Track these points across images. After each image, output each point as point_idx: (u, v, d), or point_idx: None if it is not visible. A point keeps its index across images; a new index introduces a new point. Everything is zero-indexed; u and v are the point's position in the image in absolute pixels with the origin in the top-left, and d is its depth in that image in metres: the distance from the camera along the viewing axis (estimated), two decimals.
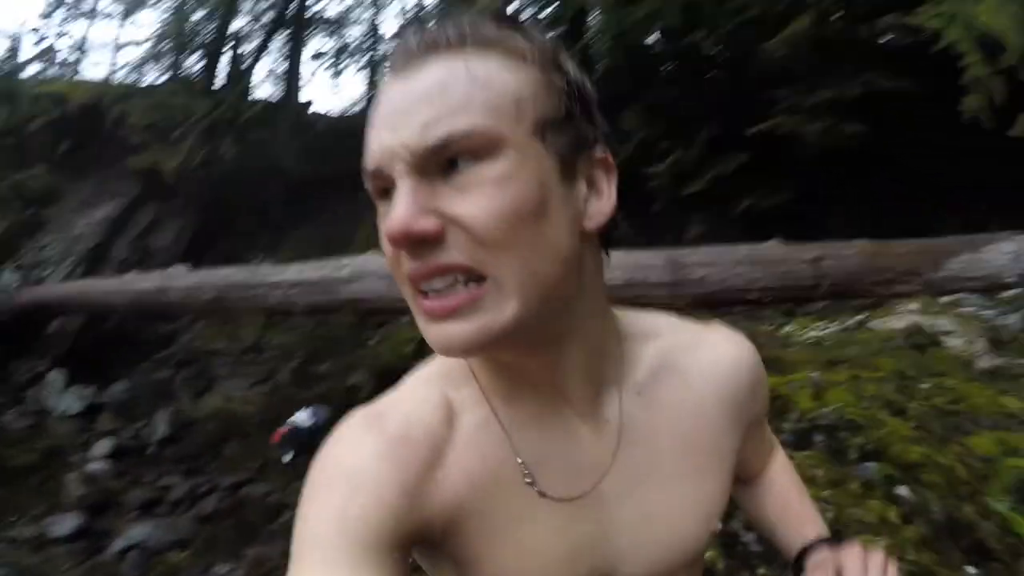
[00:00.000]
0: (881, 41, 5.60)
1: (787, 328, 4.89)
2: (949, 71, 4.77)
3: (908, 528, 2.15)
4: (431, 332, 0.61)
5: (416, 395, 0.71)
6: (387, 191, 0.61)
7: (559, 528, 0.69)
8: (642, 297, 4.30)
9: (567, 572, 0.69)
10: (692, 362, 0.77)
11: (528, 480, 0.68)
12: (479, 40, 0.60)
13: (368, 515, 0.61)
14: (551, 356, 0.67)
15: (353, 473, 0.63)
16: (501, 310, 0.59)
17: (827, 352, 4.14)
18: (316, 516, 0.62)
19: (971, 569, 2.11)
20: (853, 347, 4.18)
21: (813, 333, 4.69)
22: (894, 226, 4.97)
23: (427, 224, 0.57)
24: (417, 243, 0.57)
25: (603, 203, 0.65)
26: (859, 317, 4.71)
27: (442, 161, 0.58)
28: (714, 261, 4.48)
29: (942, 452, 2.54)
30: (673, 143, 6.55)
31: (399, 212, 0.57)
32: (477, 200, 0.57)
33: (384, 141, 0.59)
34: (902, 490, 2.32)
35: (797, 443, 2.58)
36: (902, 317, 4.46)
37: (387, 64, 0.63)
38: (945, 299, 4.48)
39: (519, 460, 0.68)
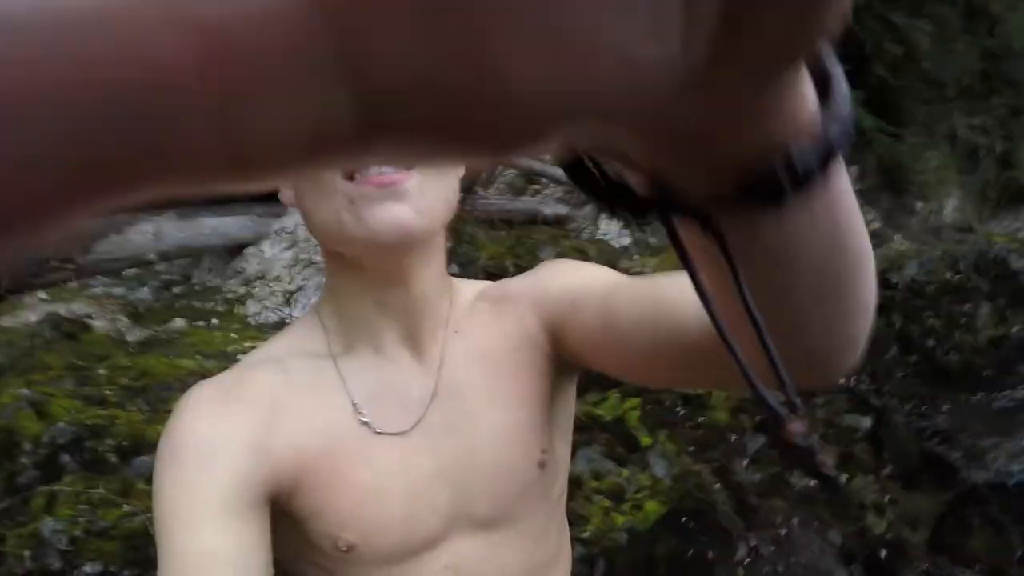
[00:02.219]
0: None
1: None
2: None
3: None
4: (374, 214, 0.66)
5: (249, 359, 0.78)
6: None
7: (395, 465, 0.74)
8: None
9: (406, 511, 0.74)
10: (498, 292, 0.84)
11: (363, 419, 0.74)
12: None
13: (220, 479, 0.65)
14: (417, 272, 0.75)
15: (197, 442, 0.67)
16: (427, 197, 0.68)
17: None
18: (171, 490, 0.66)
19: None
20: None
21: None
22: None
23: None
24: None
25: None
26: None
27: None
28: None
29: (159, 423, 2.85)
30: None
31: None
32: None
33: None
34: None
35: (45, 475, 2.35)
36: (33, 308, 4.32)
37: None
38: (73, 284, 4.56)
39: (353, 402, 0.74)
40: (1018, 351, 5.19)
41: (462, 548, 0.76)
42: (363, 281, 0.75)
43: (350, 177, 0.66)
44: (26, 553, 2.04)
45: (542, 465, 0.79)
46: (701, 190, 0.29)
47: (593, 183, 0.30)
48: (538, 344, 0.79)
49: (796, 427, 0.28)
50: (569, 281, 0.78)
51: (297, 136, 0.18)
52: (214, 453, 0.67)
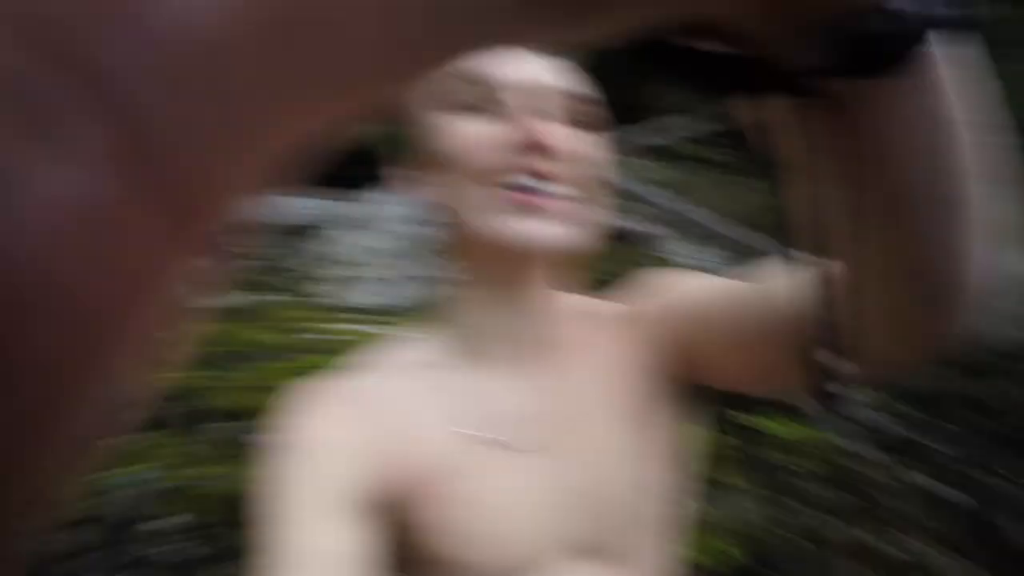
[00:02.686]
0: None
1: None
2: None
3: None
4: (524, 228, 0.68)
5: (367, 363, 0.77)
6: (475, 107, 0.69)
7: (506, 481, 0.72)
8: None
9: (513, 528, 0.71)
10: (605, 325, 0.82)
11: (477, 434, 0.72)
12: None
13: (335, 479, 0.66)
14: (544, 293, 0.76)
15: (314, 441, 0.68)
16: (575, 226, 0.70)
17: None
18: (284, 486, 0.65)
19: None
20: None
21: None
22: None
23: (564, 143, 0.69)
24: (548, 152, 0.68)
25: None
26: None
27: (574, 112, 0.71)
28: None
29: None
30: None
31: (547, 126, 0.68)
32: (588, 149, 0.72)
33: (527, 74, 0.70)
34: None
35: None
36: None
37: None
38: None
39: (469, 416, 0.73)
40: None
41: (564, 574, 0.73)
42: (488, 294, 0.75)
43: (509, 174, 0.69)
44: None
45: (654, 494, 0.76)
46: (798, 59, 0.28)
47: (684, 63, 0.29)
48: (653, 366, 0.77)
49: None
50: (690, 295, 0.76)
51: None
52: (331, 454, 0.68)
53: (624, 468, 0.75)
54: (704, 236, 6.73)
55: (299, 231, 5.46)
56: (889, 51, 0.28)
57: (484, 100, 0.70)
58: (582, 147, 0.71)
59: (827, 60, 0.28)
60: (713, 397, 0.81)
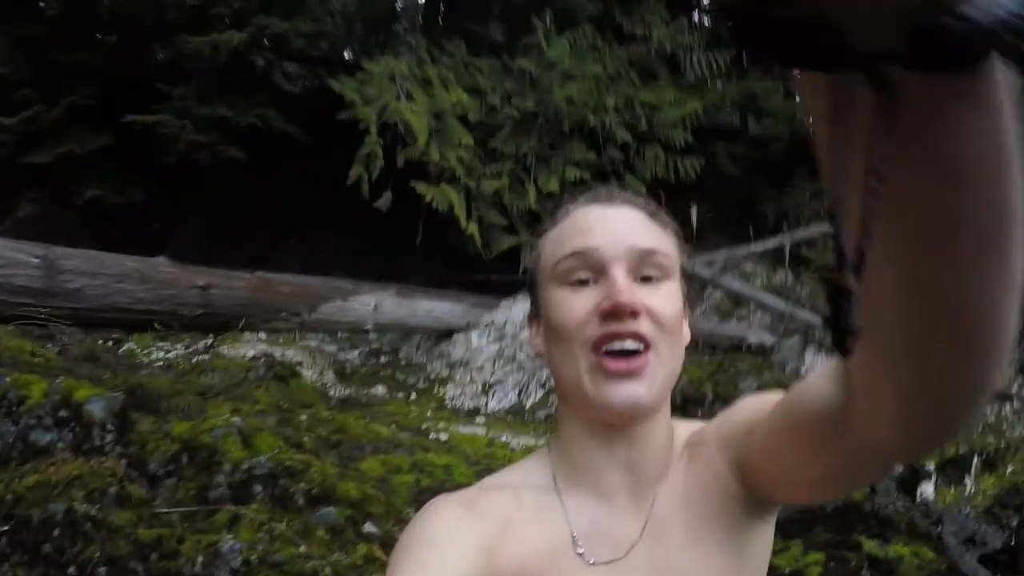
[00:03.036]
0: (289, 88, 5.68)
1: (129, 345, 4.32)
2: (347, 136, 5.16)
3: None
4: (614, 392, 0.77)
5: (486, 483, 0.88)
6: (582, 282, 0.80)
7: None
8: None
9: None
10: (701, 457, 0.87)
11: (579, 550, 0.80)
12: (649, 207, 0.87)
13: (456, 567, 0.76)
14: (643, 434, 0.83)
15: (437, 534, 0.79)
16: (658, 377, 0.78)
17: (191, 380, 3.84)
18: (407, 568, 0.76)
19: None
20: (214, 375, 4.00)
21: (160, 354, 4.27)
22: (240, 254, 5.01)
23: (641, 303, 0.78)
24: (631, 314, 0.77)
25: (688, 333, 0.87)
26: (207, 340, 4.53)
27: (642, 268, 0.80)
28: (96, 271, 3.57)
29: (348, 480, 2.68)
30: (35, 93, 5.20)
31: (627, 290, 0.77)
32: (661, 301, 0.80)
33: (603, 239, 0.81)
34: (370, 527, 2.31)
35: (236, 496, 2.38)
36: (251, 344, 4.50)
37: (581, 198, 0.87)
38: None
39: (572, 533, 0.81)
40: None
41: None
42: (592, 432, 0.83)
43: (596, 347, 0.77)
44: (199, 559, 2.06)
45: None
46: (874, 43, 0.30)
47: (765, 33, 0.30)
48: (729, 487, 0.82)
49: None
50: (746, 411, 0.82)
51: None
52: (448, 548, 0.77)
53: None
54: (813, 340, 6.54)
55: (444, 334, 5.49)
56: (962, 48, 0.29)
57: (580, 271, 0.81)
58: (659, 301, 0.80)
59: (903, 48, 0.29)
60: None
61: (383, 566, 2.22)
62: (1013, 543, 3.92)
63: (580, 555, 0.80)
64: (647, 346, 0.78)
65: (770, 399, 0.77)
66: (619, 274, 0.78)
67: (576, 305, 0.79)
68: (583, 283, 0.81)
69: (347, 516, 2.31)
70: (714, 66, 6.98)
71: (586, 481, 0.84)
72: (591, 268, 0.80)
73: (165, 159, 5.50)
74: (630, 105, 6.42)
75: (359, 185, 5.15)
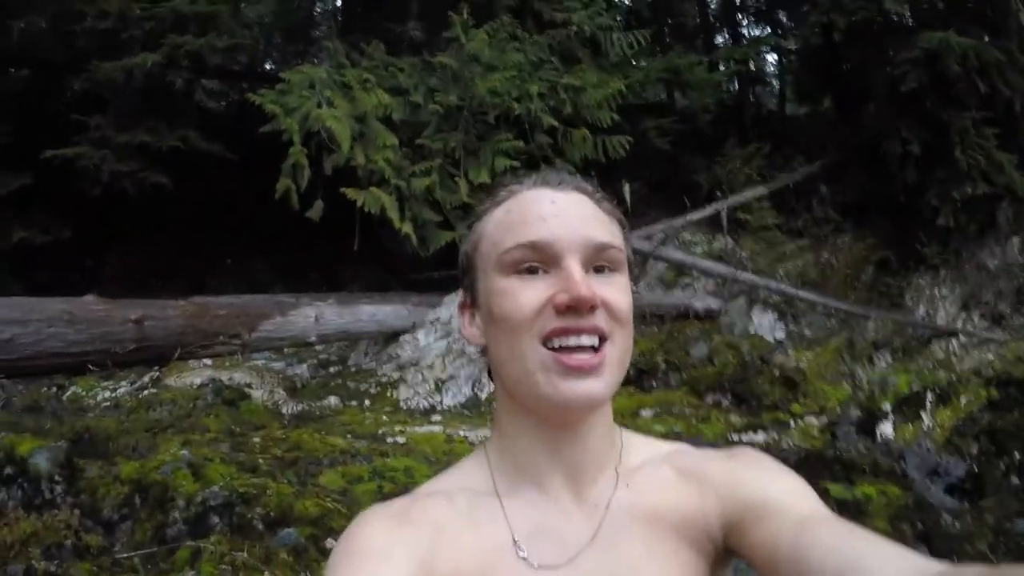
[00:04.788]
0: (210, 105, 5.54)
1: (73, 389, 4.24)
2: (271, 149, 5.09)
3: None
4: (570, 388, 0.74)
5: (420, 491, 0.85)
6: (531, 271, 0.77)
7: None
8: None
9: None
10: (681, 463, 0.86)
11: (522, 554, 0.77)
12: (596, 194, 0.85)
13: None
14: (589, 426, 0.81)
15: (369, 549, 0.74)
16: (614, 372, 0.77)
17: (139, 416, 3.80)
18: None
19: None
20: (162, 408, 3.97)
21: (106, 394, 4.20)
22: (183, 282, 4.93)
23: (599, 297, 0.76)
24: (589, 308, 0.75)
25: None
26: (153, 374, 4.47)
27: (596, 260, 0.79)
28: (25, 318, 3.49)
29: (307, 497, 2.71)
30: None
31: (584, 284, 0.74)
32: (616, 293, 0.78)
33: (559, 229, 0.78)
34: (333, 543, 2.38)
35: (194, 531, 2.39)
36: (197, 372, 4.47)
37: (527, 180, 0.85)
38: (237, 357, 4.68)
39: (514, 537, 0.78)
40: None
41: None
42: (536, 428, 0.80)
43: (548, 341, 0.75)
44: None
45: None
46: None
47: None
48: (710, 529, 0.80)
49: None
50: (767, 488, 0.79)
51: None
52: (383, 561, 0.73)
53: None
54: (758, 300, 6.82)
55: (391, 337, 5.49)
56: None
57: (530, 261, 0.78)
58: (614, 293, 0.78)
59: None
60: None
61: None
62: (976, 470, 4.14)
63: (523, 559, 0.77)
64: (603, 340, 0.76)
65: (802, 499, 0.76)
66: (575, 267, 0.76)
67: (525, 296, 0.76)
68: (532, 272, 0.77)
69: (308, 535, 2.35)
70: (636, 44, 7.09)
71: (528, 482, 0.81)
72: (544, 259, 0.77)
73: (90, 192, 5.33)
74: (554, 90, 6.48)
75: (288, 197, 5.08)
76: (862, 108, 7.46)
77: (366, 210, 5.39)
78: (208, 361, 4.57)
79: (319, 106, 5.29)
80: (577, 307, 0.74)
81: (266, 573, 2.10)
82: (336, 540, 2.45)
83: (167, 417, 3.70)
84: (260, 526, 2.39)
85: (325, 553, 2.29)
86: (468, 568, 0.75)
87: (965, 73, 6.13)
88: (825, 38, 7.96)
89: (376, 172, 5.51)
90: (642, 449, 0.88)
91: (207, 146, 5.61)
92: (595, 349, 0.74)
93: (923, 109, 6.45)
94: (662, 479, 0.83)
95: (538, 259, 0.77)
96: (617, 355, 0.77)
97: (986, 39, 6.39)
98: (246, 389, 4.30)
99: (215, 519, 2.39)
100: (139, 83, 5.55)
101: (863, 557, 0.63)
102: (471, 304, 0.84)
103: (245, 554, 2.18)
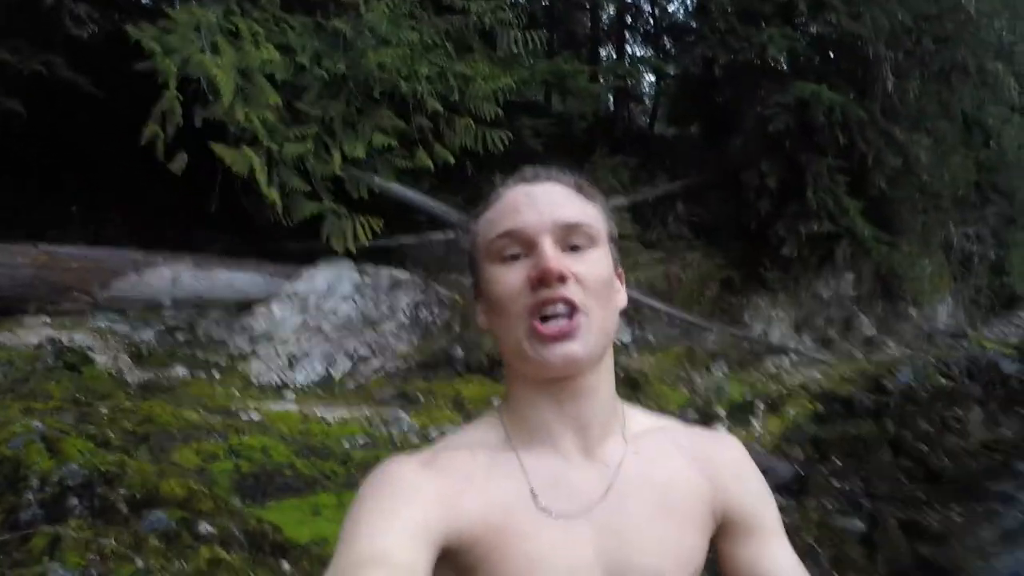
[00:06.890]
0: (78, 32, 4.85)
1: None
2: (142, 90, 4.61)
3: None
4: (551, 352, 0.84)
5: (439, 446, 0.93)
6: (514, 256, 0.87)
7: (559, 545, 0.84)
8: None
9: None
10: (683, 441, 0.98)
11: (539, 504, 0.85)
12: (576, 182, 0.94)
13: (412, 513, 0.78)
14: (588, 388, 0.90)
15: (398, 483, 0.81)
16: (591, 335, 0.85)
17: None
18: (367, 512, 0.78)
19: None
20: None
21: None
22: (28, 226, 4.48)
23: (567, 269, 0.85)
24: (559, 279, 0.84)
25: (622, 295, 0.96)
26: None
27: (569, 239, 0.88)
28: None
29: (171, 477, 2.61)
30: None
31: (554, 259, 0.84)
32: (587, 266, 0.87)
33: (531, 216, 0.88)
34: (205, 527, 2.29)
35: (51, 515, 2.20)
36: (34, 330, 4.11)
37: (510, 180, 0.94)
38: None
39: (531, 487, 0.86)
40: (1010, 454, 5.39)
41: None
42: (540, 391, 0.90)
43: (532, 314, 0.85)
44: None
45: None
46: None
47: None
48: (711, 508, 0.93)
49: None
50: (755, 505, 0.96)
51: None
52: (412, 493, 0.80)
53: (670, 557, 0.88)
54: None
55: (243, 306, 5.28)
56: None
57: (511, 248, 0.88)
58: (585, 267, 0.87)
59: None
60: None
61: (230, 568, 2.19)
62: (802, 473, 4.69)
63: (541, 508, 0.85)
64: (575, 309, 0.85)
65: (773, 525, 0.96)
66: (546, 245, 0.85)
67: (510, 278, 0.86)
68: (515, 258, 0.88)
69: (178, 518, 2.26)
70: (529, 44, 7.18)
71: (540, 438, 0.90)
72: (521, 244, 0.87)
73: None
74: (443, 75, 6.40)
75: (154, 145, 4.60)
76: (729, 139, 8.04)
77: (234, 170, 5.10)
78: (47, 319, 4.23)
79: (203, 51, 4.82)
80: (545, 279, 0.84)
81: (138, 560, 2.00)
82: (208, 524, 2.41)
83: (3, 380, 3.42)
84: (124, 508, 2.25)
85: (199, 539, 2.22)
86: (491, 514, 0.83)
87: (829, 124, 6.91)
88: (705, 69, 8.56)
89: (248, 131, 5.21)
90: (641, 420, 0.99)
91: (73, 76, 4.95)
92: (569, 318, 0.84)
93: (785, 149, 7.19)
94: (668, 452, 0.95)
95: (517, 245, 0.88)
96: (596, 323, 0.86)
97: (852, 96, 7.13)
98: (89, 352, 3.98)
99: (74, 501, 2.24)
100: None
101: None
102: (478, 295, 0.94)
103: (112, 541, 2.05)
